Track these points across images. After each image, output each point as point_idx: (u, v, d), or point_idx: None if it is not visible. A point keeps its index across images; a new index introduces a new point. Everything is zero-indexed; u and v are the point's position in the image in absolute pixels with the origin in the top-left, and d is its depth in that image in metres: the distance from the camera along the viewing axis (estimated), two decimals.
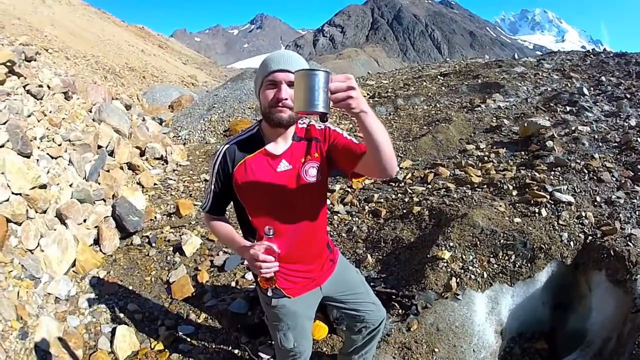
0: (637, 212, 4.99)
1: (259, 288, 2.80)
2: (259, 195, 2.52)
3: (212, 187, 2.62)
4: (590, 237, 4.72)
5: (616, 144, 6.54)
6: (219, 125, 12.15)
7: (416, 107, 10.92)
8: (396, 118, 10.41)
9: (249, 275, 5.34)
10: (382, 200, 6.52)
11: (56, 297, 4.97)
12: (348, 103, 1.85)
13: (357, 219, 6.26)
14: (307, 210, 2.66)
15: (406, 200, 6.28)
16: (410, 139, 8.90)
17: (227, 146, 2.55)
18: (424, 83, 13.30)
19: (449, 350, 4.04)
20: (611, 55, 14.48)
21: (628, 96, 8.90)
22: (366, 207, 6.47)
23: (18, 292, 4.40)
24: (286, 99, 2.30)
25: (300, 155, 2.58)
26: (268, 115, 2.37)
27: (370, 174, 2.49)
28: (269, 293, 2.71)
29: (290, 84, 2.28)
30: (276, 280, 2.47)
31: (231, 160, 2.52)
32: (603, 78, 10.78)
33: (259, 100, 2.46)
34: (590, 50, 16.62)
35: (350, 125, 10.33)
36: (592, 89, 10.00)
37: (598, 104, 8.72)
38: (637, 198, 5.22)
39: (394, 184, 7.03)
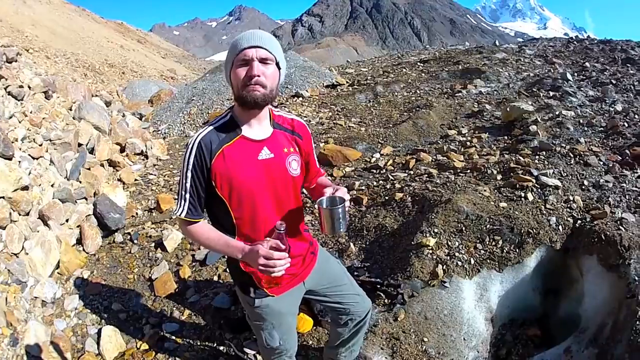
0: (627, 196, 4.96)
1: (240, 289, 2.71)
2: (240, 187, 2.37)
3: (188, 185, 2.38)
4: (579, 221, 4.70)
5: (602, 129, 6.53)
6: (198, 118, 12.13)
7: (396, 93, 10.95)
8: (376, 105, 10.43)
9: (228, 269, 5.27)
10: (363, 187, 6.47)
11: (42, 301, 4.89)
12: None
13: None
14: (290, 203, 2.58)
15: (388, 187, 6.23)
16: (391, 125, 8.89)
17: (200, 136, 2.38)
18: (404, 70, 13.37)
19: (439, 339, 3.99)
20: (595, 42, 14.56)
21: (614, 82, 8.92)
22: (349, 197, 6.37)
23: (6, 298, 4.32)
24: (259, 76, 2.22)
25: (282, 145, 2.51)
26: (242, 96, 2.27)
27: None
28: (252, 294, 2.61)
29: (262, 61, 2.25)
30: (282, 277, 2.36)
31: (208, 151, 2.34)
32: (587, 64, 10.84)
33: (230, 83, 2.36)
34: (574, 37, 16.67)
35: (330, 114, 10.31)
36: (576, 74, 10.06)
37: (582, 89, 8.74)
38: (626, 182, 5.20)
39: (375, 171, 7.00)
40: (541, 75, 10.23)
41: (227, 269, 5.16)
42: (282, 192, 2.51)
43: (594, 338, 3.86)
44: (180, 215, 2.43)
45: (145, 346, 4.51)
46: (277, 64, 2.35)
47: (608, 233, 4.29)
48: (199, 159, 2.34)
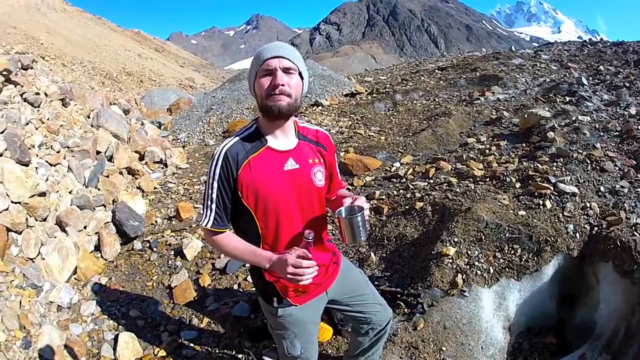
0: None
1: (263, 298, 2.73)
2: (266, 197, 2.40)
3: (214, 196, 2.40)
4: (595, 228, 4.68)
5: (617, 133, 6.50)
6: (218, 127, 12.11)
7: (415, 102, 10.91)
8: (395, 114, 10.40)
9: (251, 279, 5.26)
10: (384, 196, 6.45)
11: (58, 305, 4.93)
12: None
13: None
14: (314, 214, 2.60)
15: (408, 196, 6.21)
16: (410, 134, 8.88)
17: (226, 147, 2.40)
18: (422, 78, 13.30)
19: (457, 348, 3.99)
20: (608, 44, 14.54)
21: (627, 85, 8.87)
22: (369, 206, 6.34)
23: (20, 302, 4.36)
24: (283, 85, 2.25)
25: (307, 156, 2.54)
26: (266, 106, 2.30)
27: None
28: (275, 303, 2.62)
29: (285, 70, 2.28)
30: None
31: (234, 162, 2.37)
32: (601, 67, 10.78)
33: (254, 94, 2.39)
34: (587, 40, 16.65)
35: (350, 123, 10.32)
36: (590, 78, 10.00)
37: (597, 93, 8.69)
38: None
39: (395, 180, 6.99)
40: (557, 81, 10.18)
41: (248, 278, 5.21)
42: (307, 203, 2.53)
43: (607, 344, 3.88)
44: (206, 225, 2.44)
45: (162, 353, 4.53)
46: (300, 74, 2.37)
47: (623, 239, 4.28)
48: (225, 169, 2.37)
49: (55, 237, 5.51)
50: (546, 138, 6.65)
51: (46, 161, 6.18)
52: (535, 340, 4.43)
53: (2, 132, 5.57)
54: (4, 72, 6.76)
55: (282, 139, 2.47)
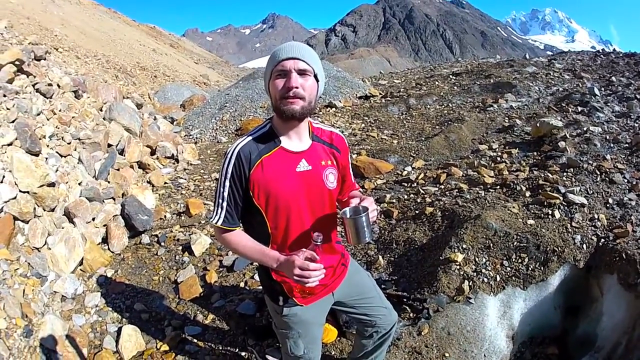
0: None
1: (269, 296, 2.73)
2: (277, 197, 2.40)
3: (226, 194, 2.42)
4: (602, 240, 4.67)
5: (627, 145, 6.49)
6: (231, 125, 12.19)
7: (428, 106, 10.93)
8: (408, 118, 10.43)
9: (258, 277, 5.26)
10: (394, 200, 6.45)
11: (62, 296, 4.96)
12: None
13: None
14: (324, 215, 2.60)
15: (418, 200, 6.20)
16: (423, 138, 8.91)
17: (240, 146, 2.40)
18: (436, 83, 13.32)
19: (460, 355, 3.99)
20: (621, 55, 14.52)
21: (638, 97, 8.82)
22: (378, 208, 6.35)
23: (24, 290, 4.38)
24: (297, 88, 2.24)
25: (320, 157, 2.54)
26: (279, 107, 2.30)
27: None
28: (281, 302, 2.62)
29: (300, 72, 2.27)
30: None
31: (247, 161, 2.37)
32: (613, 78, 10.75)
33: (269, 94, 2.39)
34: (600, 51, 16.65)
35: (363, 125, 10.36)
36: (602, 89, 9.95)
37: (609, 104, 8.66)
38: None
39: (406, 184, 6.99)
40: (570, 90, 10.16)
41: (254, 276, 5.22)
42: (318, 204, 2.54)
43: (607, 357, 3.88)
44: (216, 223, 2.45)
45: (165, 347, 4.54)
46: (316, 77, 2.36)
47: (629, 252, 4.27)
48: (238, 168, 2.37)
49: (62, 228, 5.54)
50: (557, 148, 6.64)
51: (57, 152, 6.21)
52: (537, 350, 4.42)
53: (13, 122, 5.63)
54: (17, 62, 6.79)
55: (296, 140, 2.47)
